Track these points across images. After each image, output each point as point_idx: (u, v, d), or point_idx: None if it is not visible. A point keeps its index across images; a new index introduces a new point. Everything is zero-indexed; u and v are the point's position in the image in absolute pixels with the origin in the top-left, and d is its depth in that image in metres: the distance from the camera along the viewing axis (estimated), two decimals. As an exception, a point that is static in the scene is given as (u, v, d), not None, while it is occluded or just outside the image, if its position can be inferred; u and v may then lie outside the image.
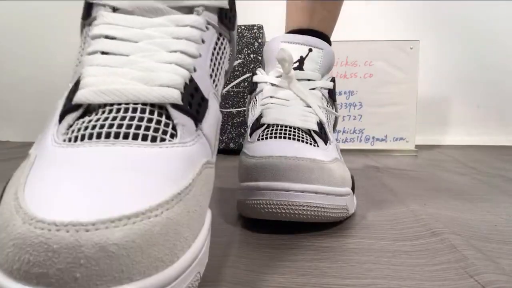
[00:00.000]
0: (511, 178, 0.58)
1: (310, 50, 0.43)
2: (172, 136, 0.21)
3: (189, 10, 0.26)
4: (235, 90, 0.87)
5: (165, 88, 0.22)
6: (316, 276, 0.25)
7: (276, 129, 0.37)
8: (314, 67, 0.43)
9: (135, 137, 0.20)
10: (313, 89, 0.42)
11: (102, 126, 0.20)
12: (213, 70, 0.27)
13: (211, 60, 0.27)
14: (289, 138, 0.36)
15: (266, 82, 0.43)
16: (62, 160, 0.18)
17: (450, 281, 0.24)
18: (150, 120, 0.21)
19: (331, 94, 0.45)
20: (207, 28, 0.27)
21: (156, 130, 0.21)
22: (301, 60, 0.43)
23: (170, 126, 0.21)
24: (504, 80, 1.08)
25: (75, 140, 0.20)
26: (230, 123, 0.86)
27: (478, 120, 1.09)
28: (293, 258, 0.28)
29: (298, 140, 0.36)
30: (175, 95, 0.22)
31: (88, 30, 0.25)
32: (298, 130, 0.37)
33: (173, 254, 0.17)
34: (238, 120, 0.86)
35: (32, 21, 1.15)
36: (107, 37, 0.23)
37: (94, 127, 0.20)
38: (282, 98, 0.41)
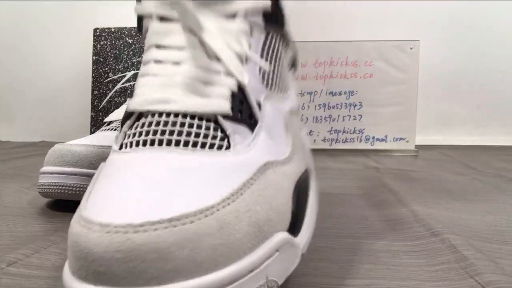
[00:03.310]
0: (511, 178, 0.58)
1: None
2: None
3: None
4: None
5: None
6: (316, 276, 0.25)
7: (151, 123, 0.21)
8: None
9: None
10: (233, 16, 0.23)
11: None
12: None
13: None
14: (168, 143, 0.20)
15: (151, 16, 0.24)
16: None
17: (450, 281, 0.24)
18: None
19: (271, 19, 0.25)
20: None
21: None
22: None
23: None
24: (504, 80, 1.08)
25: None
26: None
27: (478, 120, 1.09)
28: (293, 258, 0.27)
29: (186, 144, 0.20)
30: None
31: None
32: (193, 119, 0.21)
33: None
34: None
35: (32, 21, 1.15)
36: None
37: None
38: (172, 47, 0.23)
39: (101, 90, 0.97)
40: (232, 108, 0.22)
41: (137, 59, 0.95)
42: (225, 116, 0.21)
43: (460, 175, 0.60)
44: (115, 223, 0.15)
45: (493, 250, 0.29)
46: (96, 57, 0.97)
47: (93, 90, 0.97)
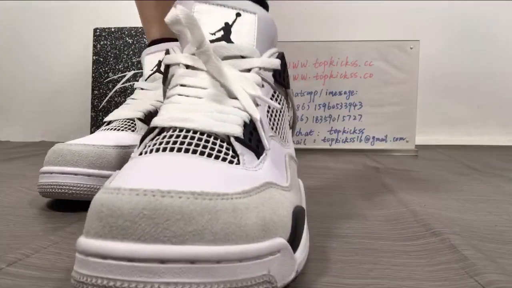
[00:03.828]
0: (511, 178, 0.58)
1: (238, 14, 0.30)
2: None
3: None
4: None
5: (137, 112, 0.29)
6: (316, 276, 0.25)
7: (171, 136, 0.24)
8: (248, 38, 0.30)
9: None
10: (248, 70, 0.29)
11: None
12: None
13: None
14: (186, 151, 0.22)
15: (178, 64, 0.29)
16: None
17: (450, 281, 0.24)
18: (125, 124, 0.27)
19: (279, 78, 0.31)
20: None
21: (125, 127, 0.28)
22: (227, 28, 0.30)
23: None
24: (504, 80, 1.08)
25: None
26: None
27: (478, 120, 1.09)
28: (293, 258, 0.28)
29: (202, 154, 0.23)
30: (140, 115, 0.30)
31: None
32: (209, 137, 0.24)
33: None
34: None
35: (32, 21, 1.15)
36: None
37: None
38: (195, 86, 0.27)
39: (101, 90, 0.97)
40: (243, 135, 0.25)
41: (137, 59, 0.95)
42: (237, 139, 0.24)
43: (460, 175, 0.60)
44: (144, 188, 0.17)
45: (493, 250, 0.29)
46: (96, 57, 0.97)
47: (93, 90, 0.97)
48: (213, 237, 0.17)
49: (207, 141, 0.23)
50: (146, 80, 0.53)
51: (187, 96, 0.27)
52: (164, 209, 0.17)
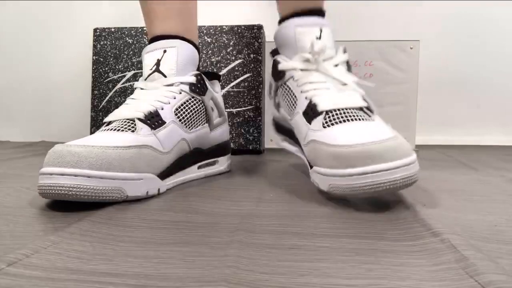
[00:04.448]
0: (511, 178, 0.58)
1: (321, 30, 0.47)
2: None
3: (172, 84, 0.51)
4: (235, 90, 0.87)
5: (137, 112, 0.47)
6: (316, 276, 0.25)
7: (336, 114, 0.44)
8: (330, 43, 0.48)
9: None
10: (336, 65, 0.47)
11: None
12: (179, 111, 0.51)
13: (178, 107, 0.51)
14: (351, 120, 0.42)
15: (295, 69, 0.48)
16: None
17: (450, 281, 0.24)
18: (125, 124, 0.47)
19: (348, 65, 0.50)
20: (180, 92, 0.51)
21: (125, 128, 0.46)
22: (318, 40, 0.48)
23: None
24: (504, 80, 1.08)
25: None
26: (230, 123, 0.86)
27: (478, 120, 1.09)
28: (293, 258, 0.28)
29: (360, 119, 0.43)
30: (140, 115, 0.47)
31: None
32: (353, 110, 0.44)
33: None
34: (238, 120, 0.86)
35: (32, 21, 1.15)
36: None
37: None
38: (320, 82, 0.46)
39: (101, 90, 0.97)
40: (367, 105, 0.46)
41: (137, 59, 0.95)
42: (365, 107, 0.45)
43: (460, 175, 0.60)
44: (365, 141, 0.38)
45: (493, 250, 0.29)
46: (96, 57, 0.97)
47: (93, 90, 0.97)
48: (399, 155, 0.37)
49: (354, 112, 0.44)
50: (145, 79, 0.53)
51: (317, 89, 0.46)
52: (381, 146, 0.37)
